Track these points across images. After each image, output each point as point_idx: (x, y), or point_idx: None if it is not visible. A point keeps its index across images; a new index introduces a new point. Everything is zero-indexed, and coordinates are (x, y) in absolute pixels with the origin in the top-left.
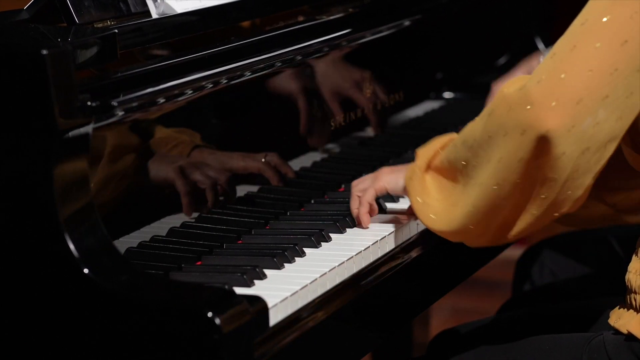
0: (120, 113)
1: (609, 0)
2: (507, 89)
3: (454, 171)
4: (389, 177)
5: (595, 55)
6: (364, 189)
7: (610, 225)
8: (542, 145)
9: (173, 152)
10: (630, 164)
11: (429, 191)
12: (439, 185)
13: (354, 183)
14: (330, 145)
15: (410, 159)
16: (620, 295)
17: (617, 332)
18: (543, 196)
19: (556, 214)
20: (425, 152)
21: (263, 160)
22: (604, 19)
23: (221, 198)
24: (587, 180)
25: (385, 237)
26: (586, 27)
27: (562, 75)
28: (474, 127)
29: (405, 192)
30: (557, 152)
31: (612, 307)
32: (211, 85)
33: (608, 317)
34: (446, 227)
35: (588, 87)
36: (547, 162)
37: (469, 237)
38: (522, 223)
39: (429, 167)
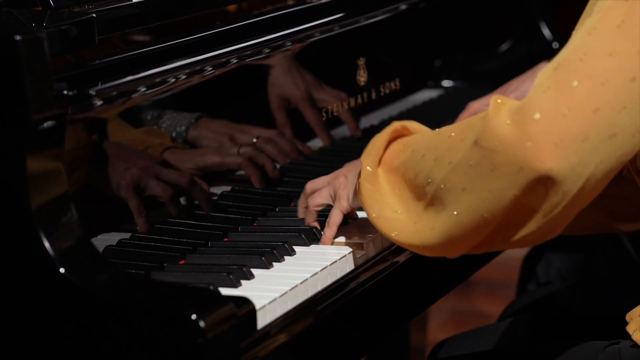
0: (99, 103)
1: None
2: (496, 119)
3: (413, 181)
4: (349, 193)
5: (602, 92)
6: (321, 205)
7: None
8: (540, 183)
9: (152, 145)
10: (625, 175)
11: (386, 199)
12: (399, 192)
13: (311, 196)
14: (321, 137)
15: None
16: (632, 297)
17: (635, 344)
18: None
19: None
20: (370, 152)
21: (238, 152)
22: (609, 54)
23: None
24: (584, 205)
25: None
26: (586, 63)
27: (565, 112)
28: (451, 147)
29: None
30: (555, 190)
31: (626, 312)
32: (195, 73)
33: (622, 322)
34: (413, 242)
35: (595, 125)
36: (542, 197)
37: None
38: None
39: (380, 163)
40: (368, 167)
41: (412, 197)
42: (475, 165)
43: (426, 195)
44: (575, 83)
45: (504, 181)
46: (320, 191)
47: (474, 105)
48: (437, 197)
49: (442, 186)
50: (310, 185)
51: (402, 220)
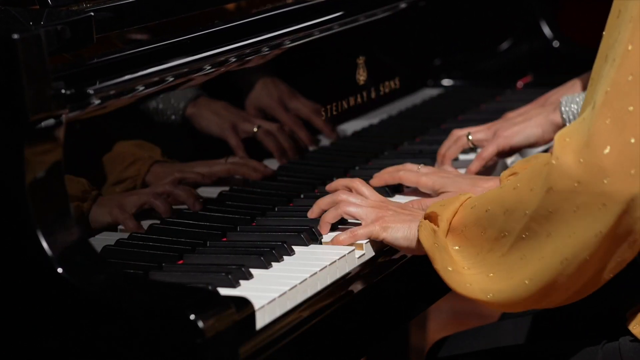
0: (97, 102)
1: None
2: (566, 160)
3: (482, 238)
4: (398, 229)
5: None
6: (353, 217)
7: None
8: (625, 213)
9: (148, 147)
10: None
11: (453, 258)
12: (462, 252)
13: (348, 201)
14: (321, 136)
15: (407, 152)
16: (632, 296)
17: (635, 339)
18: (621, 257)
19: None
20: (444, 212)
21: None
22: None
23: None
24: None
25: None
26: (634, 84)
27: (632, 140)
28: (521, 198)
29: (419, 252)
30: (638, 212)
31: (629, 309)
32: (194, 72)
33: (622, 320)
34: (488, 298)
35: None
36: (629, 227)
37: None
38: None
39: (448, 230)
40: (445, 225)
41: (476, 252)
42: (557, 211)
43: (503, 247)
44: (631, 108)
45: (588, 219)
46: (360, 205)
47: (511, 115)
48: (518, 247)
49: (524, 236)
50: (348, 204)
51: (475, 275)
